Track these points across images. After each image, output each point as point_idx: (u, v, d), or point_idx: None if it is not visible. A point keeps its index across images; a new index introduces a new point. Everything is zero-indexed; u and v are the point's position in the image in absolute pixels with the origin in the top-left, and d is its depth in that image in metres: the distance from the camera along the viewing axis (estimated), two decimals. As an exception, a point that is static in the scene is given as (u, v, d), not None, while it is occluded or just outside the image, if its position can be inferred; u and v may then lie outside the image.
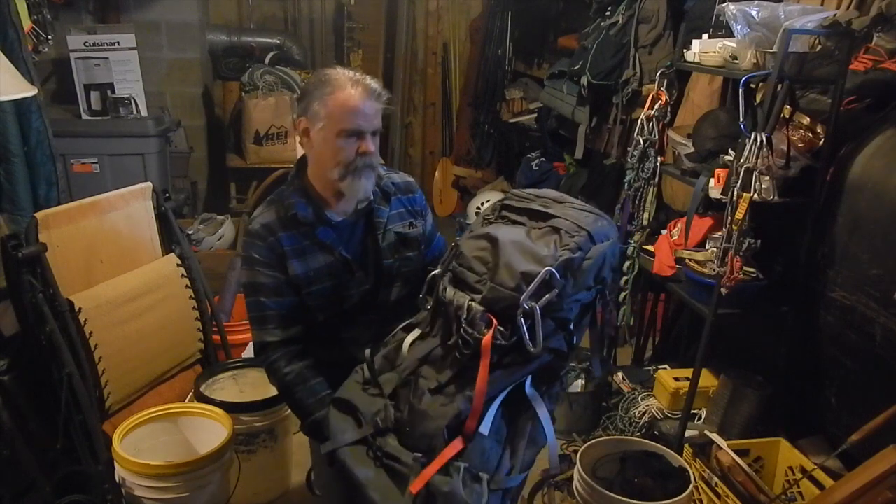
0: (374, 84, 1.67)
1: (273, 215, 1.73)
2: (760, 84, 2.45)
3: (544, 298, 1.37)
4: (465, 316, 1.41)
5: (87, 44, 3.76)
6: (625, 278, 3.10)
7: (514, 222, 1.54)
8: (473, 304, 1.41)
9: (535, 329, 1.37)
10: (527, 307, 1.36)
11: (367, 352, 1.59)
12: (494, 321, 1.39)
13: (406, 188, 1.87)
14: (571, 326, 1.46)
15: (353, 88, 1.63)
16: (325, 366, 1.85)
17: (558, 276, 1.37)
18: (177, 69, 4.64)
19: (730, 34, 2.41)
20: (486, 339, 1.37)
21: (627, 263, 3.08)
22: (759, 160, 2.19)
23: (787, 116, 2.38)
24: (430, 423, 1.42)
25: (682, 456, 2.29)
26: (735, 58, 2.37)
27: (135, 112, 3.84)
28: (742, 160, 2.22)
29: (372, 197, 1.77)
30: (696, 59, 2.62)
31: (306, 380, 1.72)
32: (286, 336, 1.74)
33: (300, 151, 1.79)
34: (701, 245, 2.62)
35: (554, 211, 1.50)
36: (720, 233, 2.37)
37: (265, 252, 1.71)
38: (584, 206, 1.51)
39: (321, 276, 1.73)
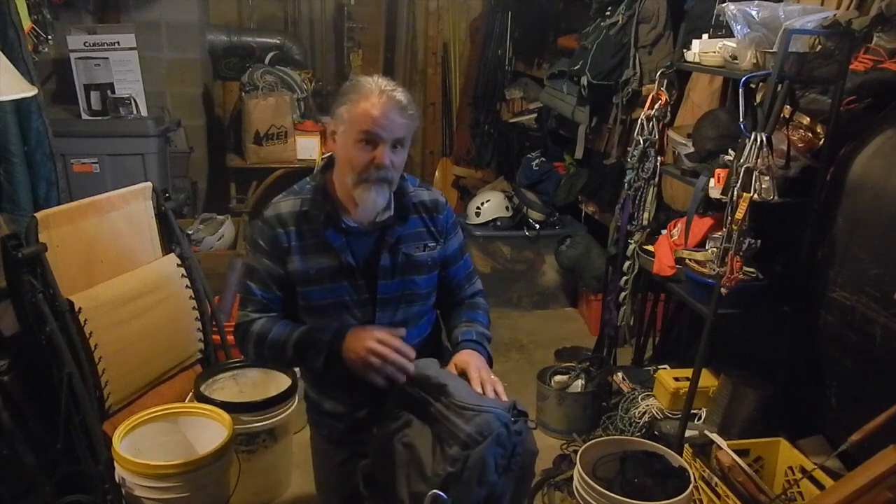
0: (403, 97, 1.65)
1: (289, 206, 1.75)
2: (760, 84, 2.45)
3: None
4: None
5: (87, 44, 3.76)
6: (625, 278, 3.10)
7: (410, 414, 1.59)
8: None
9: None
10: None
11: None
12: None
13: (432, 206, 1.82)
14: None
15: (378, 97, 1.62)
16: (327, 383, 1.85)
17: (444, 497, 1.41)
18: (177, 69, 4.63)
19: (730, 34, 2.41)
20: None
21: (627, 263, 3.08)
22: (759, 160, 2.19)
23: (787, 116, 2.38)
24: None
25: (682, 456, 2.29)
26: (735, 58, 2.37)
27: (135, 112, 3.84)
28: (742, 160, 2.22)
29: (392, 213, 1.75)
30: (696, 59, 2.62)
31: (275, 322, 1.76)
32: (266, 316, 1.79)
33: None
34: (701, 245, 2.62)
35: (437, 411, 1.51)
36: (720, 233, 2.37)
37: (269, 241, 1.74)
38: (463, 400, 1.50)
39: (322, 277, 1.73)
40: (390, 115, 1.62)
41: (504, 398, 1.58)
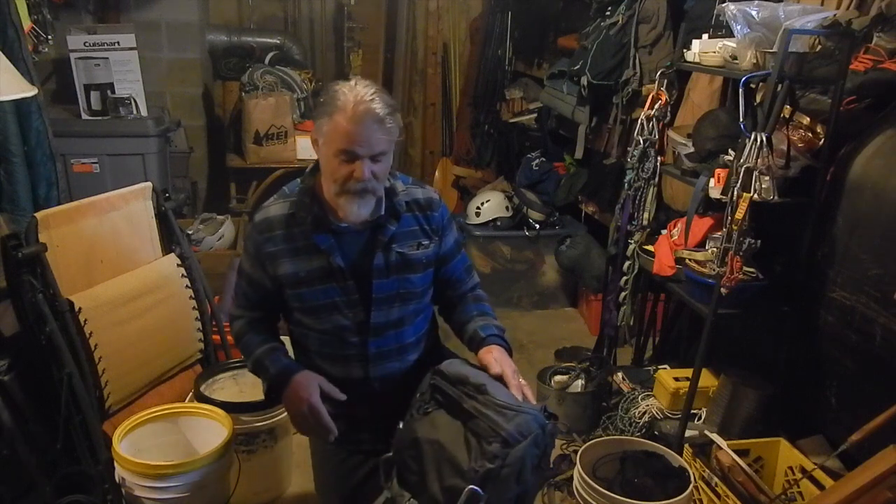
0: (381, 109, 1.58)
1: (278, 210, 1.75)
2: (760, 84, 2.45)
3: None
4: None
5: (87, 44, 3.76)
6: (625, 278, 3.10)
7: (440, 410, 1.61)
8: None
9: None
10: None
11: None
12: None
13: (426, 204, 1.80)
14: None
15: (354, 110, 1.57)
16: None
17: (480, 492, 1.42)
18: (177, 69, 4.64)
19: (730, 34, 2.41)
20: None
21: (627, 263, 3.08)
22: (759, 160, 2.19)
23: (787, 116, 2.38)
24: None
25: (682, 456, 2.29)
26: (735, 58, 2.37)
27: (135, 112, 3.84)
28: (742, 160, 2.22)
29: (382, 212, 1.73)
30: (696, 59, 2.62)
31: (252, 328, 1.86)
32: (249, 314, 1.88)
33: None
34: (701, 245, 2.62)
35: (473, 408, 1.53)
36: (720, 233, 2.37)
37: (255, 247, 1.78)
38: (504, 401, 1.52)
39: (312, 279, 1.73)
40: (367, 132, 1.58)
41: (533, 402, 1.61)
